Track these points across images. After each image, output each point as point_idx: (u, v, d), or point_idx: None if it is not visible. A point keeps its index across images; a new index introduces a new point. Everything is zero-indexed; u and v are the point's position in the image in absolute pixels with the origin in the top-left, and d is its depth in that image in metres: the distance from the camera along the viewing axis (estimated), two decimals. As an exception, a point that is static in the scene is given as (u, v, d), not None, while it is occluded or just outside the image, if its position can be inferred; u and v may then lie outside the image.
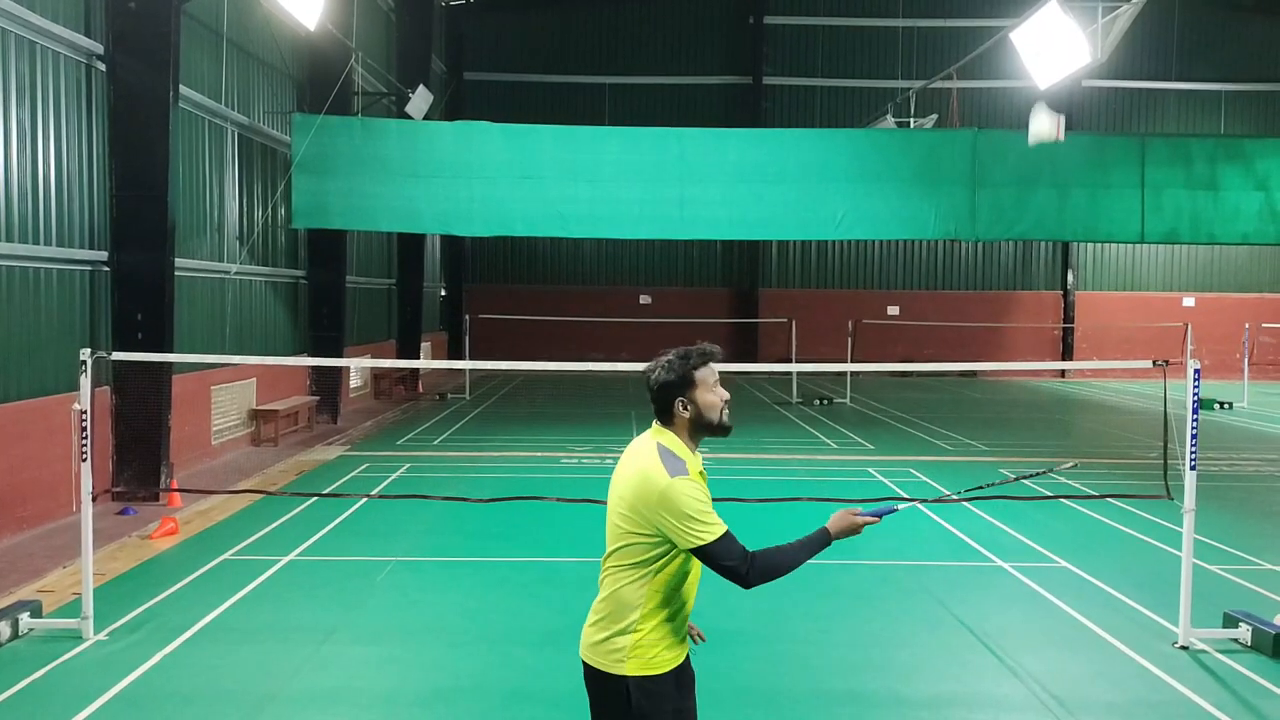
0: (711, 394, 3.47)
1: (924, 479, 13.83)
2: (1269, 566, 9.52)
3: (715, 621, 7.64)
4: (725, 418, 3.51)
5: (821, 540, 3.45)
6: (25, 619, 7.28)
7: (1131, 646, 7.27)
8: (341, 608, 8.05)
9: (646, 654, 3.37)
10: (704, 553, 3.30)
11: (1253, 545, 10.30)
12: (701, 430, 3.50)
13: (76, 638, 7.16)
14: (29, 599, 7.82)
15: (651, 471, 3.35)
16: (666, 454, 3.39)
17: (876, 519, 3.54)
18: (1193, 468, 7.22)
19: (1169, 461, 7.94)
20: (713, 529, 3.29)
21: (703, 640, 3.75)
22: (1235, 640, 7.29)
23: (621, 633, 3.38)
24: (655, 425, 3.53)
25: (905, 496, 12.31)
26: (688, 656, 3.56)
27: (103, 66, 11.83)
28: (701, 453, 3.55)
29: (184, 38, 12.78)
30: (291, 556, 9.56)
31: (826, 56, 32.69)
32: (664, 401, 3.48)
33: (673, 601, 3.43)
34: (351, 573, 9.07)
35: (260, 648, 7.13)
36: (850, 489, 12.71)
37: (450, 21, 32.16)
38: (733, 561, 3.29)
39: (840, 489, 12.64)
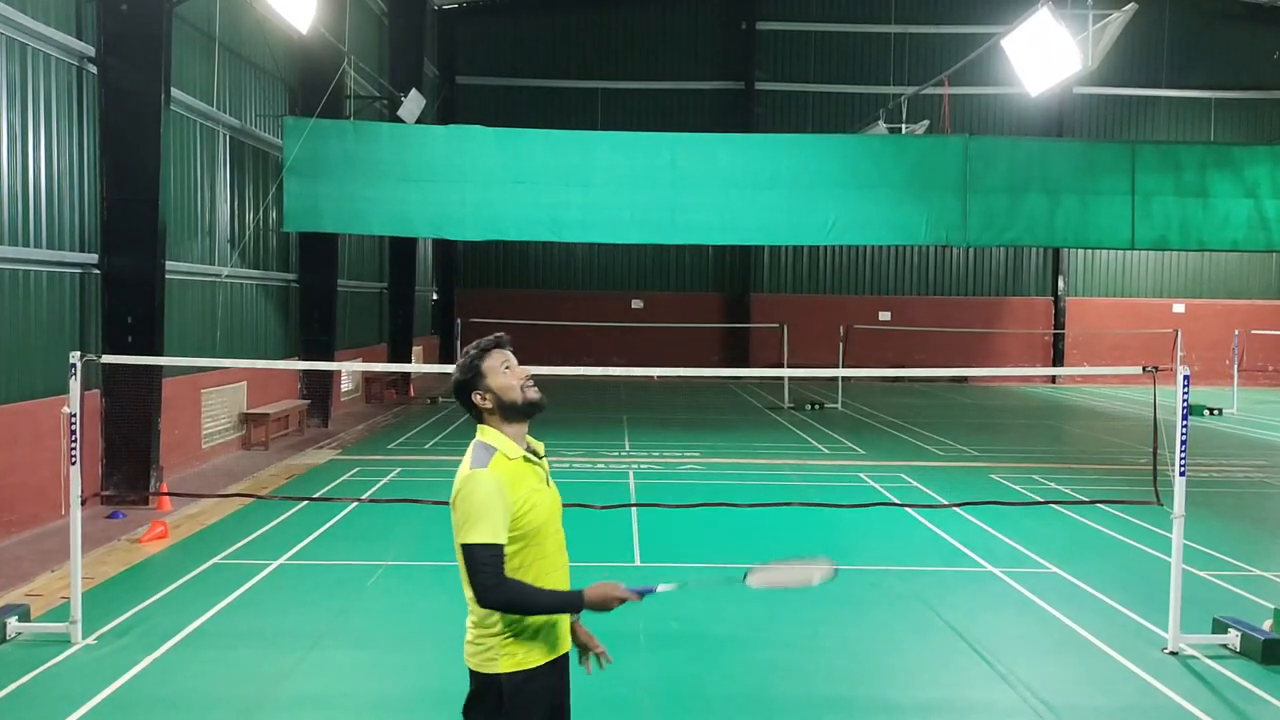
0: (502, 377, 3.49)
1: (915, 484, 13.85)
2: (1258, 572, 9.55)
3: (705, 627, 7.66)
4: (529, 394, 3.50)
5: (574, 602, 3.37)
6: (13, 623, 7.25)
7: (1121, 652, 7.28)
8: (331, 612, 8.03)
9: (517, 650, 3.37)
10: (465, 550, 3.26)
11: (1242, 551, 10.34)
12: (511, 414, 3.49)
13: (64, 642, 7.12)
14: (17, 603, 7.79)
15: (460, 469, 3.40)
16: (478, 447, 3.43)
17: (637, 597, 3.40)
18: (1182, 474, 7.24)
19: (1159, 467, 7.96)
20: (480, 533, 3.24)
21: (609, 662, 3.67)
22: (1224, 646, 7.31)
23: (489, 633, 3.38)
24: (479, 427, 3.54)
25: (896, 502, 12.33)
26: (565, 657, 3.54)
27: (94, 69, 11.80)
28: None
29: (176, 40, 12.76)
30: (281, 561, 9.54)
31: (819, 62, 32.75)
32: (464, 401, 3.53)
33: None
34: (342, 577, 9.04)
35: (249, 652, 7.11)
36: (842, 494, 12.72)
37: (443, 25, 32.16)
38: (484, 574, 3.24)
39: (832, 494, 12.65)
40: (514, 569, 3.35)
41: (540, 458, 3.59)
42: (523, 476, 3.40)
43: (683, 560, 9.72)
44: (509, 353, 3.58)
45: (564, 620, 3.53)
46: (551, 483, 3.60)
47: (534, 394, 3.53)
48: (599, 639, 3.66)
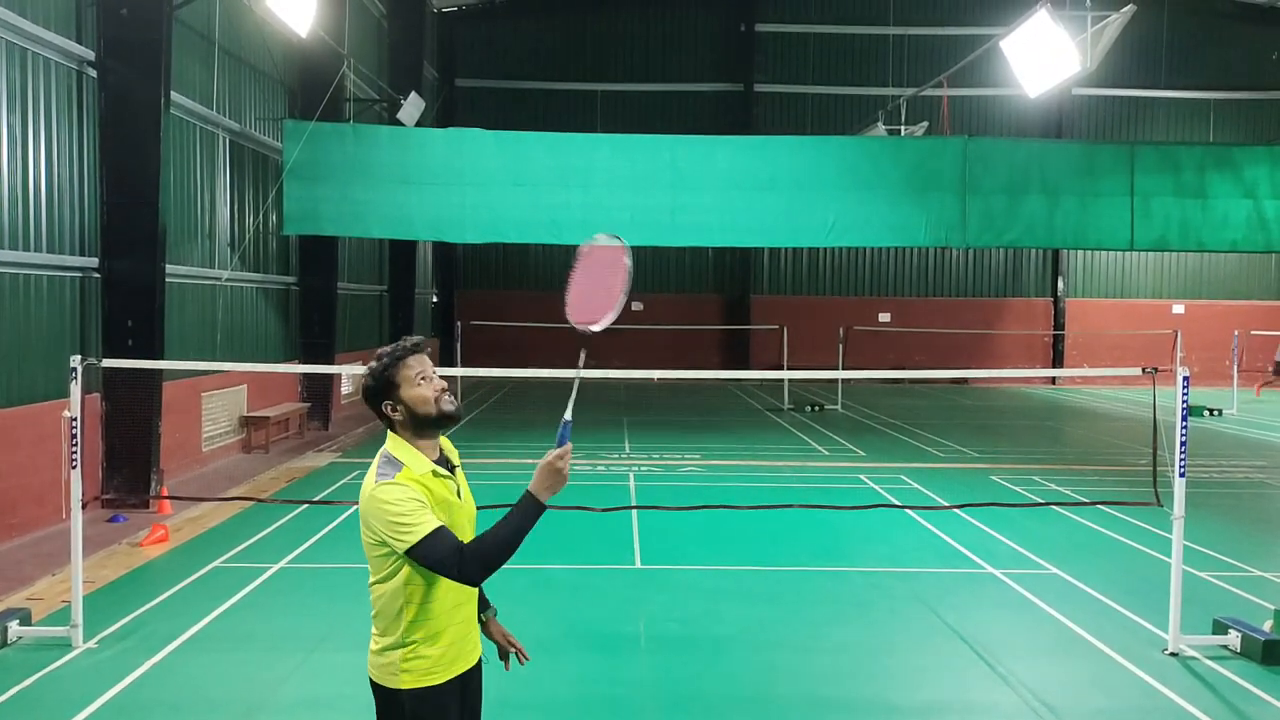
0: (416, 389, 3.31)
1: (915, 486, 13.85)
2: (1258, 573, 9.56)
3: (705, 628, 7.67)
4: (443, 406, 3.33)
5: (534, 508, 3.17)
6: (14, 627, 7.25)
7: (1122, 653, 7.29)
8: (332, 616, 8.03)
9: (420, 665, 3.29)
10: (414, 554, 3.15)
11: (1242, 552, 10.34)
12: (422, 426, 3.34)
13: (65, 646, 7.13)
14: (18, 607, 7.80)
15: (366, 482, 3.29)
16: (385, 460, 3.30)
17: (562, 446, 3.21)
18: (1182, 475, 7.25)
19: (1158, 468, 7.97)
20: (416, 529, 3.13)
21: (526, 659, 3.64)
22: (1225, 647, 7.32)
23: (392, 646, 3.30)
24: (388, 435, 3.41)
25: (896, 503, 12.34)
26: (477, 667, 3.47)
27: (94, 73, 11.81)
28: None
29: (176, 44, 12.77)
30: (282, 564, 9.54)
31: (818, 64, 32.76)
32: (374, 407, 3.37)
33: (434, 610, 3.29)
34: (342, 580, 9.05)
35: (250, 656, 7.11)
36: (842, 496, 12.73)
37: (442, 28, 32.18)
38: (442, 557, 3.13)
39: (832, 496, 12.66)
40: (424, 596, 3.26)
41: (453, 468, 3.46)
42: (429, 493, 3.26)
43: (683, 562, 9.72)
44: (426, 359, 3.40)
45: (471, 632, 3.44)
46: (465, 493, 3.46)
47: (449, 406, 3.35)
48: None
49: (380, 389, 3.34)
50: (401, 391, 3.32)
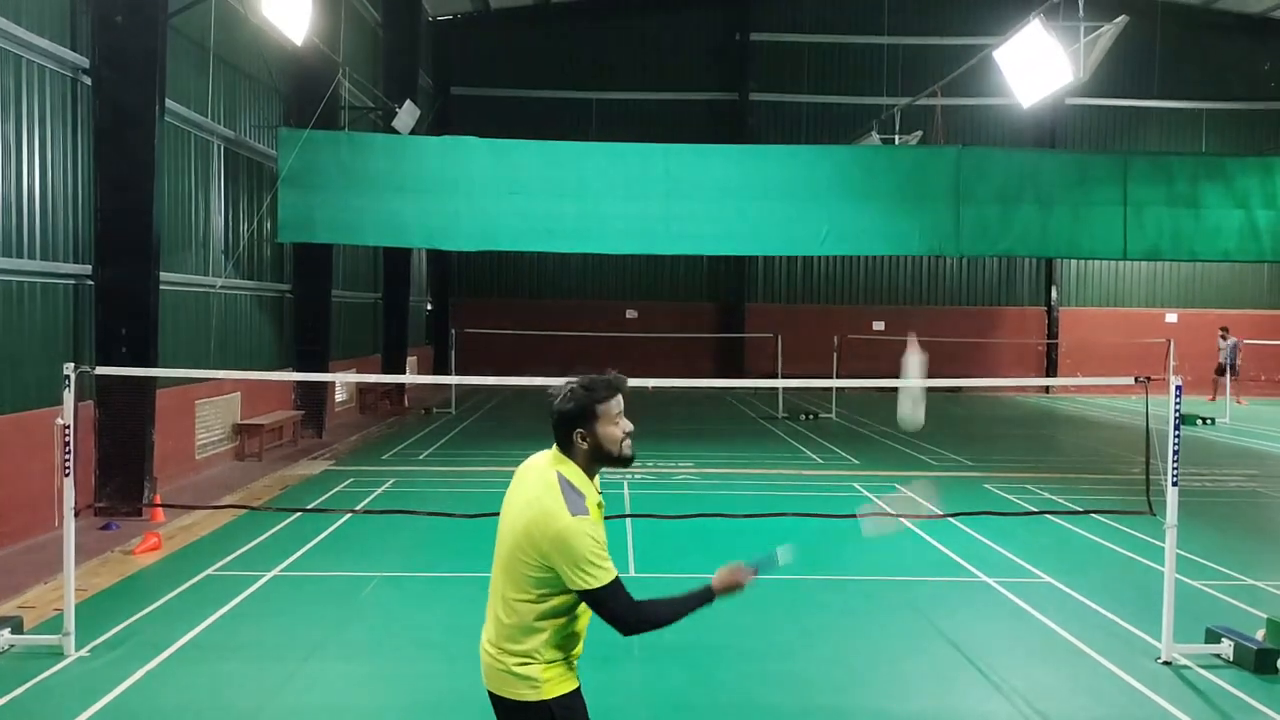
0: (613, 427, 3.37)
1: (909, 494, 13.84)
2: (1250, 582, 9.58)
3: (699, 637, 7.65)
4: (625, 450, 3.42)
5: (704, 597, 3.40)
6: (6, 635, 7.22)
7: (1115, 662, 7.30)
8: (326, 624, 8.02)
9: (557, 674, 3.38)
10: (592, 596, 3.26)
11: (1234, 560, 10.36)
12: (600, 461, 3.42)
13: (58, 654, 7.10)
14: (10, 615, 7.76)
15: (550, 506, 3.27)
16: (568, 488, 3.31)
17: (754, 572, 3.47)
18: (1175, 483, 7.26)
19: (1151, 477, 7.99)
20: (604, 574, 3.24)
21: None
22: (1218, 655, 7.33)
23: (527, 660, 3.35)
24: (555, 450, 3.44)
25: (890, 511, 12.32)
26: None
27: (88, 80, 11.81)
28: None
29: (171, 52, 12.76)
30: (275, 572, 9.52)
31: (812, 73, 32.86)
32: (563, 431, 3.38)
33: (573, 628, 3.42)
34: (336, 588, 9.03)
35: (243, 664, 7.09)
36: (836, 504, 12.73)
37: (437, 36, 32.23)
38: (618, 610, 3.27)
39: (826, 504, 12.66)
40: (568, 620, 3.37)
41: (599, 495, 3.51)
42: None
43: (678, 570, 9.70)
44: (622, 400, 3.44)
45: (581, 647, 3.55)
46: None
47: (630, 452, 3.44)
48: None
49: (579, 415, 3.36)
50: (599, 425, 3.36)
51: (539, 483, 3.35)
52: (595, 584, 3.22)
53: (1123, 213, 18.24)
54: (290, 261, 19.10)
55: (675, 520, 10.56)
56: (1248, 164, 18.99)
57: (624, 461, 3.43)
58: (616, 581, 3.26)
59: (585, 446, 3.37)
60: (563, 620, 3.36)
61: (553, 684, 3.35)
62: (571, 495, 3.29)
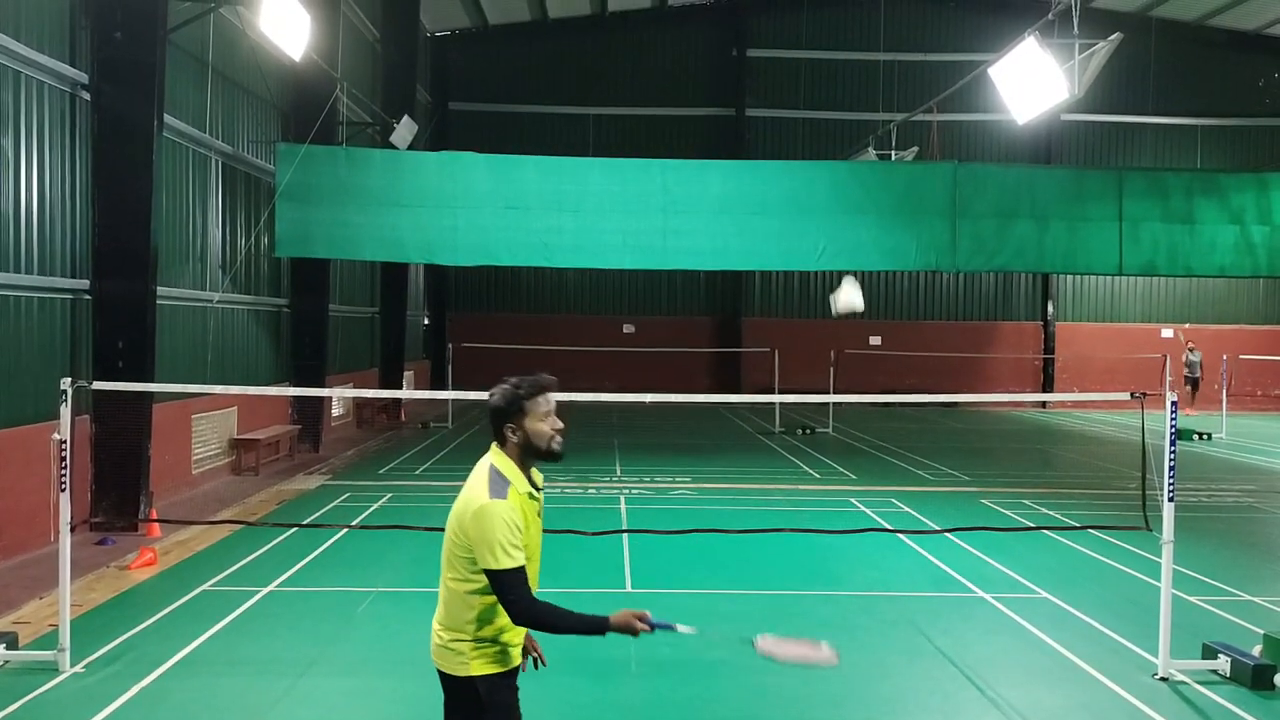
0: (542, 423, 3.69)
1: (906, 509, 13.86)
2: (1247, 597, 9.58)
3: (696, 652, 7.65)
4: (554, 445, 3.71)
5: (597, 625, 3.55)
6: (0, 651, 7.20)
7: (1112, 678, 7.29)
8: (322, 639, 8.00)
9: (489, 654, 3.65)
10: (493, 576, 3.50)
11: (1231, 576, 10.36)
12: (531, 455, 3.71)
13: (53, 670, 7.08)
14: (4, 630, 7.74)
15: (475, 490, 3.59)
16: (496, 476, 3.62)
17: (650, 629, 3.58)
18: (1171, 499, 7.27)
19: (1148, 493, 8.00)
20: (507, 560, 3.48)
21: (544, 664, 4.05)
22: (1214, 671, 7.32)
23: (460, 639, 3.64)
24: (494, 446, 3.74)
25: (887, 527, 12.35)
26: (517, 668, 3.82)
27: (87, 95, 11.84)
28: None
29: (169, 67, 12.81)
30: (271, 587, 9.50)
31: (809, 89, 32.99)
32: (496, 425, 3.72)
33: (498, 612, 3.62)
34: (332, 604, 9.01)
35: (239, 680, 7.07)
36: (833, 519, 12.73)
37: (435, 52, 32.35)
38: (514, 596, 3.50)
39: (823, 519, 12.66)
40: (493, 598, 3.57)
41: (539, 490, 3.79)
42: (523, 513, 3.62)
43: (675, 586, 9.70)
44: (553, 400, 3.74)
45: (520, 635, 3.78)
46: (540, 516, 3.80)
47: (559, 447, 3.73)
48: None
49: (509, 411, 3.69)
50: (527, 420, 3.68)
51: (475, 474, 3.69)
52: (496, 566, 3.47)
53: (1118, 228, 18.30)
54: (288, 276, 19.12)
55: (672, 536, 10.55)
56: (1242, 180, 19.06)
57: (553, 456, 3.72)
58: (519, 571, 3.50)
59: (516, 440, 3.69)
60: (491, 600, 3.58)
61: (480, 662, 3.63)
62: (497, 482, 3.60)
